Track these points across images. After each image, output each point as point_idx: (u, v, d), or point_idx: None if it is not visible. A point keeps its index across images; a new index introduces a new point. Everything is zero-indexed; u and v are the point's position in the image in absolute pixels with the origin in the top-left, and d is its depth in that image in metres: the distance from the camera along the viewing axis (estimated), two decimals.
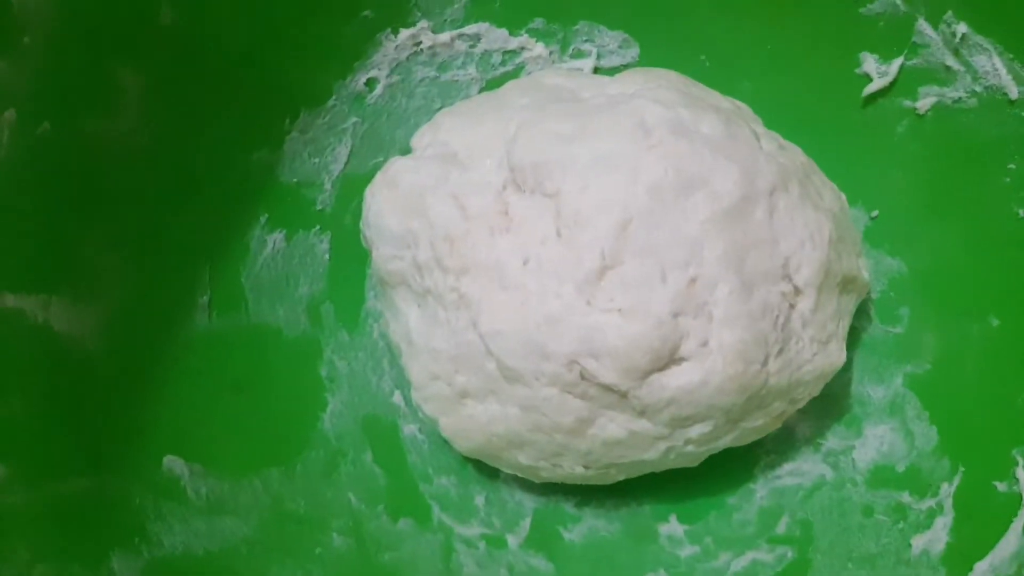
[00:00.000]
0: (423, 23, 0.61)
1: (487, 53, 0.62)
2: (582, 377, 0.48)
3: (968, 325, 0.55)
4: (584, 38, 0.62)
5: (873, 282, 0.57)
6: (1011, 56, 0.53)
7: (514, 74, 0.62)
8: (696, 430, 0.49)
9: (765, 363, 0.48)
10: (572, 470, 0.51)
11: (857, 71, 0.58)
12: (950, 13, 0.55)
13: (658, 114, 0.50)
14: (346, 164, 0.61)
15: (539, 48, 0.62)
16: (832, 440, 0.55)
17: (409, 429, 0.57)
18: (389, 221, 0.52)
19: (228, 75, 0.57)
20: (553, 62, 0.63)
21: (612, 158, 0.49)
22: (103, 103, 0.52)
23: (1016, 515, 0.49)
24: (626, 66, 0.62)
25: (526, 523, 0.55)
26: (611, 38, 0.62)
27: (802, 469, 0.55)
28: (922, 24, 0.56)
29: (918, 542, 0.51)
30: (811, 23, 0.58)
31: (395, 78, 0.62)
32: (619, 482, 0.53)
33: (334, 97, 0.61)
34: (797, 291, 0.50)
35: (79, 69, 0.51)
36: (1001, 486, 0.50)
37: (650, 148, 0.49)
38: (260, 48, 0.58)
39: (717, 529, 0.54)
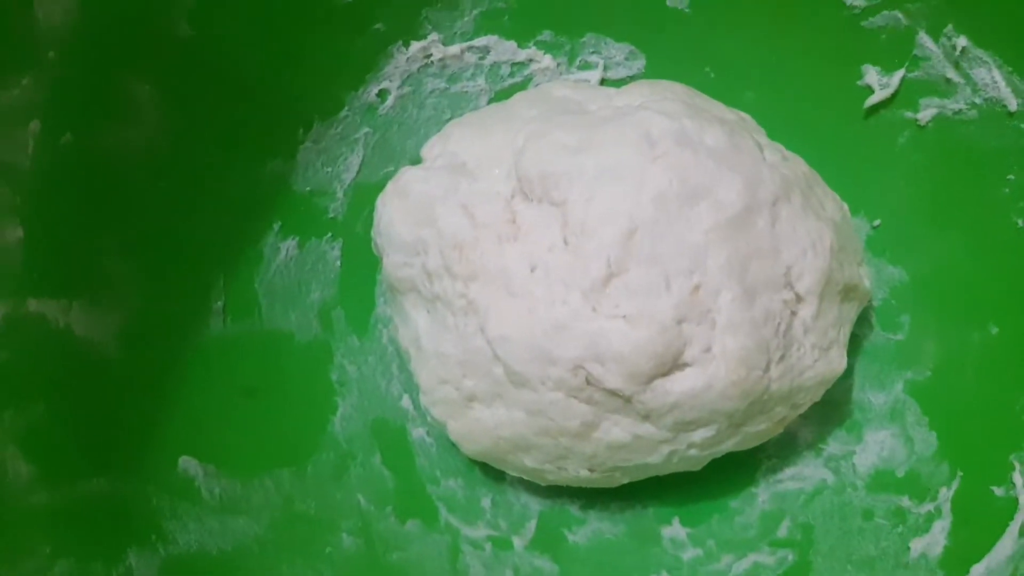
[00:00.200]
0: (433, 36, 0.62)
1: (496, 65, 0.63)
2: (587, 382, 0.49)
3: (968, 333, 0.55)
4: (591, 50, 0.63)
5: (875, 290, 0.58)
6: (1010, 69, 0.54)
7: (523, 85, 0.63)
8: (699, 434, 0.50)
9: (767, 369, 0.49)
10: (577, 473, 0.52)
11: (859, 83, 0.59)
12: (950, 27, 0.56)
13: (663, 126, 0.51)
14: (358, 173, 0.62)
15: (547, 60, 0.63)
16: (833, 445, 0.56)
17: (417, 432, 0.58)
18: (400, 229, 0.54)
19: (243, 87, 0.58)
20: (561, 73, 0.63)
21: (618, 169, 0.50)
22: (122, 115, 0.54)
23: (1012, 519, 0.50)
24: (632, 77, 0.63)
25: (532, 525, 0.56)
26: (618, 50, 0.63)
27: (804, 473, 0.56)
28: (923, 37, 0.57)
29: (916, 545, 0.52)
30: (814, 36, 0.59)
31: (406, 89, 0.63)
32: (623, 485, 0.54)
33: (346, 108, 0.62)
34: (799, 299, 0.50)
35: (99, 82, 0.52)
36: (999, 491, 0.51)
37: (655, 159, 0.50)
38: (274, 60, 0.59)
39: (719, 532, 0.55)
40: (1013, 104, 0.54)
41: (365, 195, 0.60)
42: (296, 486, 0.55)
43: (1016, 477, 0.51)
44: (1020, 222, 0.55)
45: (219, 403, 0.55)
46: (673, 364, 0.48)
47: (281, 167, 0.61)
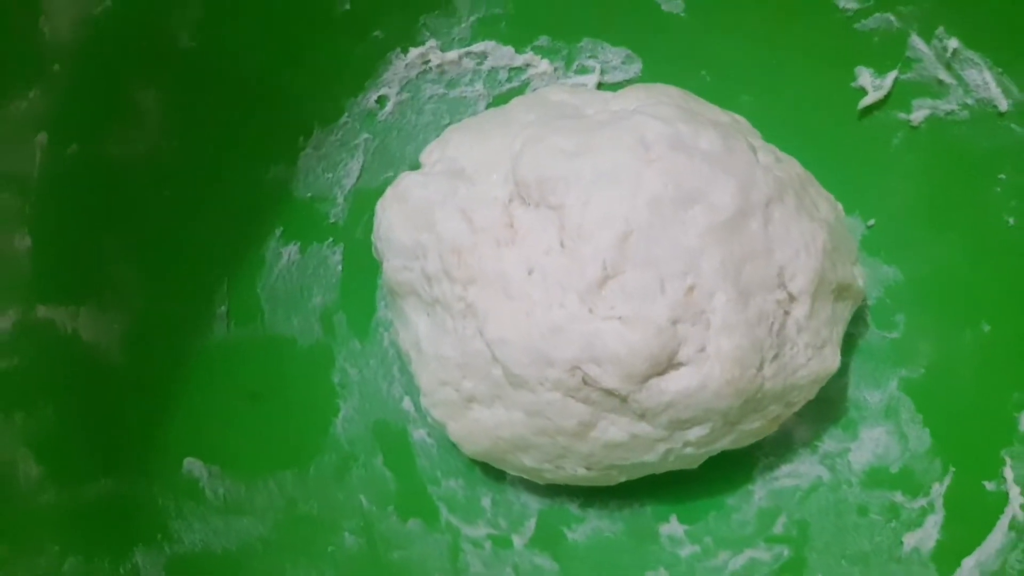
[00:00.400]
0: (431, 42, 0.63)
1: (494, 70, 0.64)
2: (584, 382, 0.49)
3: (961, 331, 0.56)
4: (588, 54, 0.64)
5: (870, 289, 0.59)
6: (1000, 70, 0.55)
7: (520, 90, 0.64)
8: (694, 432, 0.51)
9: (761, 368, 0.50)
10: (575, 472, 0.53)
11: (853, 85, 0.60)
12: (942, 28, 0.56)
13: (658, 130, 0.52)
14: (358, 179, 0.63)
15: (544, 65, 0.64)
16: (829, 443, 0.57)
17: (418, 434, 0.59)
18: (399, 234, 0.54)
19: (244, 95, 0.59)
20: (558, 78, 0.64)
21: (614, 173, 0.51)
22: (127, 125, 0.55)
23: (1003, 513, 0.50)
24: (629, 81, 0.63)
25: (531, 524, 0.57)
26: (614, 54, 0.64)
27: (799, 471, 0.57)
28: (915, 39, 0.57)
29: (910, 540, 0.53)
30: (808, 38, 0.60)
31: (405, 95, 0.64)
32: (621, 484, 0.55)
33: (346, 114, 0.63)
34: (792, 298, 0.51)
35: (105, 94, 0.53)
36: (990, 485, 0.52)
37: (650, 163, 0.51)
38: (275, 69, 0.60)
39: (716, 529, 0.56)
40: (1004, 104, 0.55)
41: (365, 200, 0.61)
42: (299, 487, 0.56)
43: (1007, 472, 0.51)
44: (1012, 221, 0.55)
45: (223, 406, 0.56)
46: (668, 364, 0.49)
47: (282, 173, 0.61)
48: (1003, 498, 0.51)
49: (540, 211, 0.52)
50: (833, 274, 0.53)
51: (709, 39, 0.62)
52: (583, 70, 0.64)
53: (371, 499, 0.57)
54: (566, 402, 0.50)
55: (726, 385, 0.49)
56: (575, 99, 0.58)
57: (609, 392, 0.49)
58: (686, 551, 0.56)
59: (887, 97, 0.59)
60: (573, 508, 0.57)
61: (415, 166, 0.58)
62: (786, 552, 0.55)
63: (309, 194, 0.62)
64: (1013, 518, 0.50)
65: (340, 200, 0.63)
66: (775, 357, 0.50)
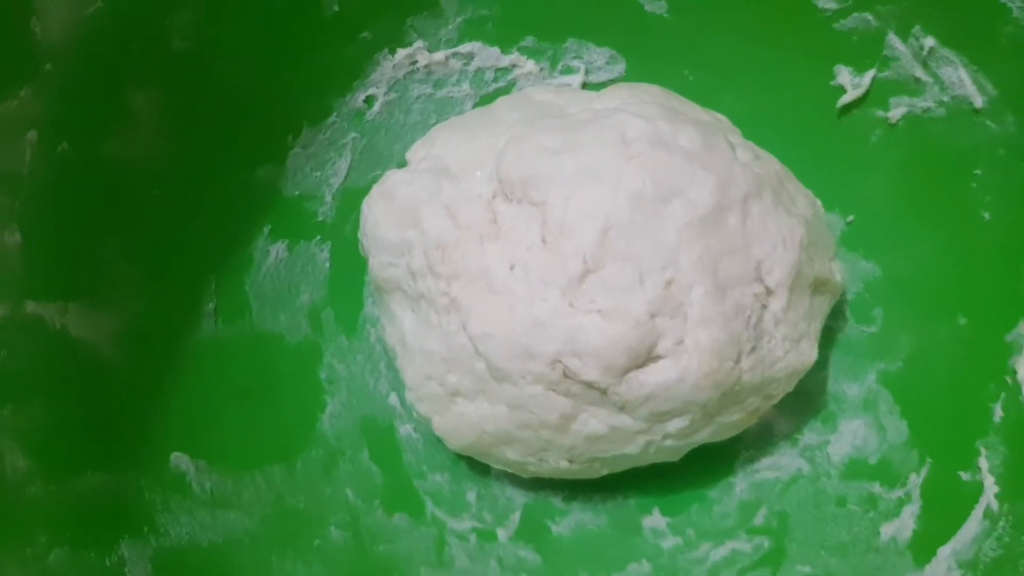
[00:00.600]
0: (419, 43, 0.64)
1: (480, 70, 0.65)
2: (565, 375, 0.50)
3: (938, 324, 0.57)
4: (573, 55, 0.65)
5: (849, 284, 0.60)
6: (975, 68, 0.56)
7: (506, 90, 0.65)
8: (674, 424, 0.51)
9: (738, 360, 0.51)
10: (557, 465, 0.54)
11: (832, 83, 0.60)
12: (918, 27, 0.57)
13: (639, 128, 0.52)
14: (346, 178, 0.64)
15: (530, 65, 0.65)
16: (809, 435, 0.58)
17: (405, 429, 0.60)
18: (385, 231, 0.55)
19: (234, 95, 0.60)
20: (544, 78, 0.65)
21: (595, 170, 0.51)
22: (117, 124, 0.56)
23: (977, 502, 0.51)
24: (613, 81, 0.64)
25: (516, 517, 0.57)
26: (599, 55, 0.64)
27: (780, 463, 0.57)
28: (892, 38, 0.58)
29: (887, 530, 0.53)
30: (788, 38, 0.60)
31: (392, 95, 0.65)
32: (605, 477, 0.56)
33: (335, 114, 0.64)
34: (769, 292, 0.52)
35: (95, 93, 0.54)
36: (965, 475, 0.53)
37: (630, 160, 0.51)
38: (265, 69, 0.60)
39: (698, 521, 0.57)
40: (979, 101, 0.56)
41: (353, 199, 0.61)
42: (286, 482, 0.57)
43: (982, 462, 0.52)
44: (988, 216, 0.56)
45: (211, 402, 0.57)
46: (647, 357, 0.50)
47: (271, 172, 0.62)
48: (978, 488, 0.52)
49: (523, 208, 0.53)
50: (810, 268, 0.53)
51: (692, 39, 0.62)
52: (568, 70, 0.65)
53: (357, 493, 0.57)
54: (548, 395, 0.51)
55: (704, 377, 0.50)
56: (559, 98, 0.59)
57: (589, 385, 0.50)
58: (668, 543, 0.57)
59: (865, 95, 0.60)
60: (557, 501, 0.58)
61: (402, 165, 0.59)
62: (766, 543, 0.55)
63: (297, 192, 0.63)
64: (987, 507, 0.51)
65: (328, 199, 0.63)
66: (753, 350, 0.51)
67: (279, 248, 0.62)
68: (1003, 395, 0.54)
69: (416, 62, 0.64)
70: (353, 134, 0.64)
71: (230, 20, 0.59)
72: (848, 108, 0.61)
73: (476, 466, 0.58)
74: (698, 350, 0.50)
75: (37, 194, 0.51)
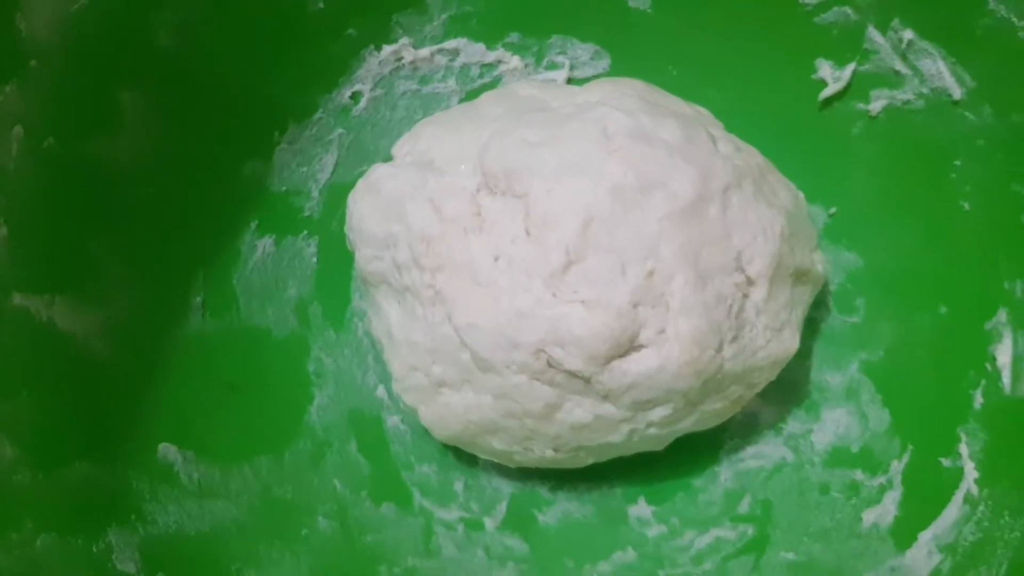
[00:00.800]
0: (404, 39, 0.64)
1: (466, 66, 0.65)
2: (549, 365, 0.51)
3: (919, 314, 0.58)
4: (558, 51, 0.65)
5: (832, 275, 0.60)
6: (954, 60, 0.56)
7: (492, 85, 0.65)
8: (657, 413, 0.52)
9: (720, 349, 0.51)
10: (543, 454, 0.54)
11: (813, 77, 0.61)
12: (897, 20, 0.58)
13: (620, 121, 0.53)
14: (332, 173, 0.64)
15: (515, 61, 0.65)
16: (792, 424, 0.58)
17: (392, 421, 0.60)
18: (370, 224, 0.56)
19: (221, 91, 0.60)
20: (529, 74, 0.65)
21: (577, 162, 0.52)
22: (104, 120, 0.56)
23: (958, 488, 0.52)
24: (598, 76, 0.65)
25: (503, 507, 0.58)
26: (583, 50, 0.65)
27: (764, 452, 0.58)
28: (872, 31, 0.59)
29: (869, 516, 0.54)
30: (770, 33, 0.61)
31: (379, 92, 0.65)
32: (591, 467, 0.56)
33: (321, 110, 0.64)
34: (750, 282, 0.53)
35: (81, 89, 0.54)
36: (946, 462, 0.53)
37: (612, 152, 0.52)
38: (251, 66, 0.61)
39: (683, 510, 0.57)
40: (957, 93, 0.57)
41: (340, 194, 0.61)
42: (274, 472, 0.57)
43: (962, 448, 0.53)
44: (967, 206, 0.57)
45: (199, 394, 0.57)
46: (629, 346, 0.50)
47: (258, 168, 0.63)
48: (958, 473, 0.53)
49: (507, 200, 0.53)
50: (791, 259, 0.54)
51: (675, 35, 0.63)
52: (553, 66, 0.66)
53: (345, 484, 0.58)
54: (532, 385, 0.51)
55: (685, 365, 0.50)
56: (542, 93, 0.59)
57: (573, 374, 0.51)
58: (654, 531, 0.57)
59: (846, 88, 0.61)
60: (544, 491, 0.58)
61: (389, 160, 0.59)
62: (750, 531, 0.56)
63: (284, 188, 0.64)
64: (967, 492, 0.52)
65: (315, 194, 0.64)
66: (734, 339, 0.52)
67: (266, 243, 0.62)
68: (983, 382, 0.55)
69: (402, 58, 0.65)
70: (339, 130, 0.65)
71: (216, 17, 0.59)
72: (830, 101, 0.61)
73: (463, 457, 0.58)
74: (679, 339, 0.50)
75: (23, 188, 0.52)
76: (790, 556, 0.55)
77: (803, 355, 0.58)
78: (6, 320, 0.50)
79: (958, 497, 0.52)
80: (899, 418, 0.56)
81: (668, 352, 0.50)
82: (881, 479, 0.55)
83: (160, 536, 0.52)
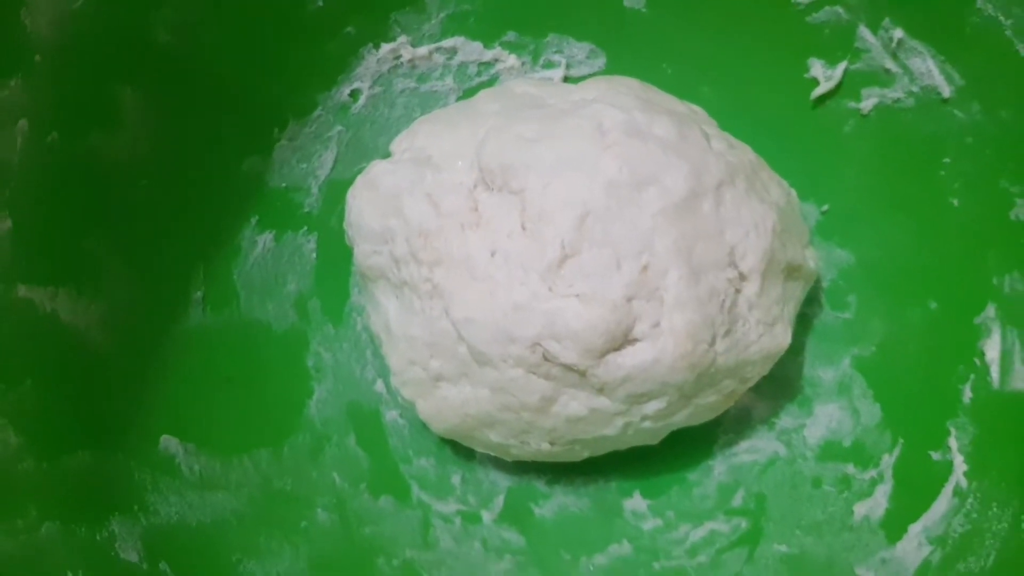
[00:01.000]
0: (402, 38, 0.65)
1: (463, 65, 0.66)
2: (545, 358, 0.51)
3: (910, 309, 0.58)
4: (554, 49, 0.66)
5: (824, 272, 0.61)
6: (943, 58, 0.57)
7: (489, 84, 0.66)
8: (651, 406, 0.53)
9: (713, 343, 0.52)
10: (539, 447, 0.55)
11: (806, 75, 0.62)
12: (887, 20, 0.59)
13: (614, 117, 0.54)
14: (332, 170, 0.65)
15: (512, 59, 0.66)
16: (785, 419, 0.59)
17: (390, 415, 0.61)
18: (369, 220, 0.56)
19: (221, 89, 0.61)
20: (525, 72, 0.66)
21: (572, 158, 0.53)
22: (106, 115, 0.57)
23: (947, 480, 0.53)
24: (594, 75, 0.65)
25: (500, 500, 0.59)
26: (579, 49, 0.66)
27: (757, 447, 0.59)
28: (863, 31, 0.60)
29: (860, 509, 0.55)
30: (763, 32, 0.62)
31: (377, 89, 0.66)
32: (587, 461, 0.57)
33: (320, 108, 0.65)
34: (743, 277, 0.53)
35: (84, 85, 0.55)
36: (936, 455, 0.54)
37: (606, 148, 0.53)
38: (251, 63, 0.61)
39: (678, 503, 0.58)
40: (946, 91, 0.57)
41: (339, 191, 0.62)
42: (273, 465, 0.58)
43: (952, 442, 0.54)
44: (956, 203, 0.58)
45: (200, 388, 0.58)
46: (624, 339, 0.51)
47: (258, 164, 0.63)
48: (948, 467, 0.54)
49: (503, 196, 0.54)
50: (783, 254, 0.55)
51: (670, 34, 0.64)
52: (549, 64, 0.66)
53: (344, 477, 0.58)
54: (528, 378, 0.52)
55: (679, 359, 0.51)
56: (538, 91, 0.60)
57: (568, 367, 0.51)
58: (649, 524, 0.58)
59: (838, 87, 0.61)
60: (540, 485, 0.59)
61: (387, 157, 0.60)
62: (744, 524, 0.57)
63: (284, 184, 0.64)
64: (957, 485, 0.53)
65: (314, 190, 0.65)
66: (727, 333, 0.52)
67: (266, 238, 0.63)
68: (972, 376, 0.55)
69: (400, 56, 0.66)
70: (338, 127, 0.65)
71: (216, 16, 0.60)
72: (822, 99, 0.62)
73: (461, 450, 0.59)
74: (673, 332, 0.51)
75: (28, 182, 0.52)
76: (783, 548, 0.56)
77: (796, 351, 0.58)
78: (11, 311, 0.51)
79: (947, 490, 0.53)
80: (890, 412, 0.57)
81: (662, 346, 0.51)
82: (872, 472, 0.56)
83: (162, 526, 0.52)
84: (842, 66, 0.61)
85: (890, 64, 0.59)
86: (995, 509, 0.51)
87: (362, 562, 0.56)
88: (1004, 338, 0.55)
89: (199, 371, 0.58)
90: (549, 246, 0.51)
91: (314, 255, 0.64)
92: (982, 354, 0.55)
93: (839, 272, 0.61)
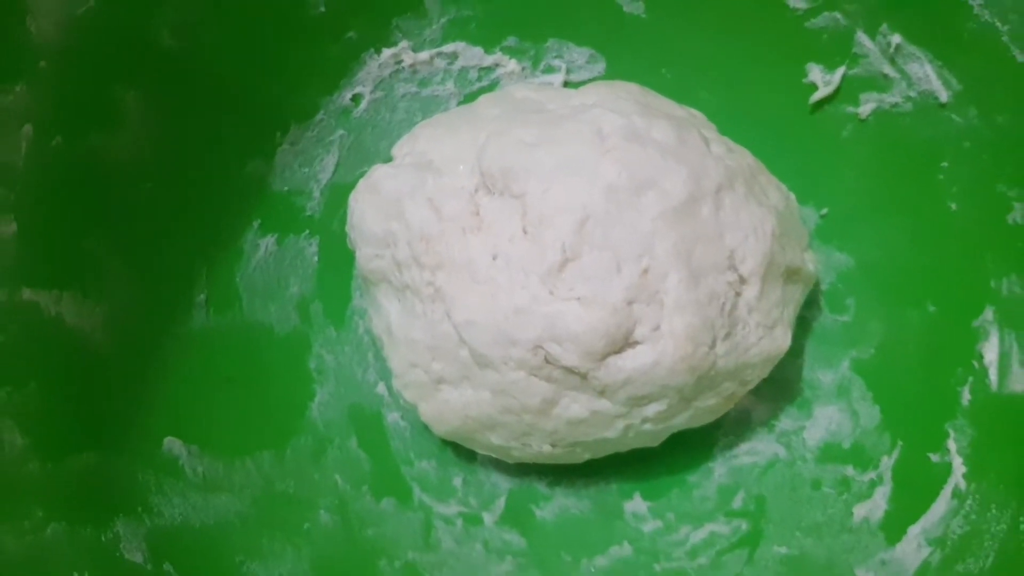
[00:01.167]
0: (404, 43, 0.65)
1: (464, 70, 0.67)
2: (546, 361, 0.52)
3: (908, 312, 0.59)
4: (554, 54, 0.66)
5: (823, 275, 0.61)
6: (940, 63, 0.58)
7: (490, 88, 0.66)
8: (652, 409, 0.53)
9: (713, 346, 0.52)
10: (540, 449, 0.55)
11: (804, 80, 0.62)
12: (885, 25, 0.59)
13: (614, 122, 0.54)
14: (333, 174, 0.65)
15: (513, 64, 0.67)
16: (785, 421, 0.59)
17: (392, 417, 0.61)
18: (371, 223, 0.57)
19: (223, 93, 0.61)
20: (526, 77, 0.67)
21: (572, 162, 0.53)
22: (110, 119, 0.57)
23: (946, 482, 0.53)
24: (594, 79, 0.66)
25: (501, 502, 0.59)
26: (579, 54, 0.66)
27: (757, 449, 0.59)
28: (861, 36, 0.60)
29: (860, 511, 0.55)
30: (762, 37, 0.62)
31: (379, 94, 0.66)
32: (587, 463, 0.57)
33: (322, 112, 0.65)
34: (742, 280, 0.54)
35: (88, 90, 0.56)
36: (935, 457, 0.55)
37: (606, 153, 0.53)
38: (253, 68, 0.62)
39: (678, 505, 0.58)
40: (944, 96, 0.58)
41: (341, 194, 0.63)
42: (276, 467, 0.58)
43: (950, 444, 0.54)
44: (954, 206, 0.58)
45: (203, 390, 0.58)
46: (624, 342, 0.51)
47: (260, 168, 0.64)
48: (947, 469, 0.54)
49: (504, 200, 0.54)
50: (783, 258, 0.55)
51: (669, 39, 0.64)
52: (550, 69, 0.67)
53: (346, 479, 0.59)
54: (530, 381, 0.52)
55: (680, 362, 0.51)
56: (539, 95, 0.60)
57: (569, 370, 0.52)
58: (649, 526, 0.58)
59: (836, 92, 0.62)
60: (541, 487, 0.59)
61: (389, 161, 0.60)
62: (744, 526, 0.57)
63: (286, 188, 0.64)
64: (955, 487, 0.53)
65: (316, 194, 0.65)
66: (727, 336, 0.53)
67: (269, 242, 0.63)
68: (971, 379, 0.56)
69: (401, 61, 0.66)
70: (340, 131, 0.66)
71: (218, 20, 0.60)
72: (820, 104, 0.63)
73: (462, 453, 0.59)
74: (673, 335, 0.51)
75: (32, 186, 0.53)
76: (783, 550, 0.56)
77: (795, 353, 0.59)
78: (16, 314, 0.51)
79: (946, 492, 0.53)
80: (889, 415, 0.57)
81: (663, 348, 0.51)
82: (871, 474, 0.56)
83: (166, 527, 0.53)
84: (840, 71, 0.61)
85: (888, 69, 0.60)
86: (994, 511, 0.51)
87: (364, 563, 0.56)
88: (1002, 340, 0.55)
89: (202, 373, 0.59)
90: (550, 250, 0.52)
91: (316, 258, 0.64)
92: (980, 356, 0.55)
93: (838, 275, 0.62)
